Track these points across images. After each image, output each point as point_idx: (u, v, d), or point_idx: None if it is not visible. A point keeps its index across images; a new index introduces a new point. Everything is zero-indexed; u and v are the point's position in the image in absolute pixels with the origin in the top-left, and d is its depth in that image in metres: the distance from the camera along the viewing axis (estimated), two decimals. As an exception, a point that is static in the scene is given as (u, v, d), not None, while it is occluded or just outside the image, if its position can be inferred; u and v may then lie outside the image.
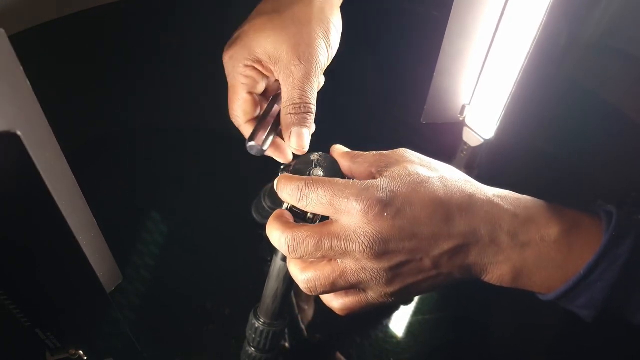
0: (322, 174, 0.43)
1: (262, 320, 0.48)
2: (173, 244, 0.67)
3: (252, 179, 0.72)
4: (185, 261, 0.65)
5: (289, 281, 0.45)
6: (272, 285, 0.45)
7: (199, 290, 0.62)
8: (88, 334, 0.44)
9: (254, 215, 0.63)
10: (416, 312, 0.62)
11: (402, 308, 0.62)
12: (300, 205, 0.39)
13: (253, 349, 0.49)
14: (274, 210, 0.59)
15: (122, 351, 0.48)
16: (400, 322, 0.61)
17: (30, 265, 0.35)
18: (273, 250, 0.44)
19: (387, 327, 0.60)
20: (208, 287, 0.63)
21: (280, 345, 0.52)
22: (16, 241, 0.33)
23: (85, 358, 0.45)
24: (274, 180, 0.43)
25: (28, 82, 0.34)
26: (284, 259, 0.44)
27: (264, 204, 0.60)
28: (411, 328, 0.60)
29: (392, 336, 0.59)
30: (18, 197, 0.31)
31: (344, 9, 0.56)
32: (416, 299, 0.63)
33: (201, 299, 0.61)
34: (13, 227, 0.32)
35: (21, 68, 0.33)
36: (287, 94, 0.46)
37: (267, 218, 0.62)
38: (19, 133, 0.27)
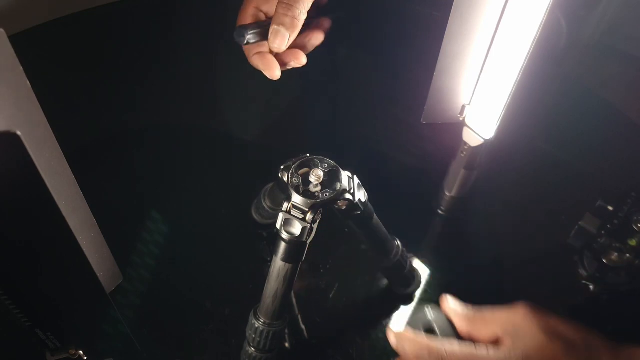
0: (437, 332, 0.46)
1: (262, 320, 0.48)
2: (173, 243, 0.67)
3: (252, 179, 0.72)
4: (185, 261, 0.65)
5: (289, 281, 0.45)
6: (272, 285, 0.45)
7: (199, 290, 0.62)
8: (88, 334, 0.44)
9: (254, 216, 0.63)
10: (417, 312, 0.62)
11: (402, 308, 0.62)
12: None
13: (253, 349, 0.49)
14: (274, 210, 0.59)
15: (122, 351, 0.48)
16: (400, 322, 0.61)
17: (30, 265, 0.35)
18: (273, 251, 0.44)
19: (387, 327, 0.60)
20: (208, 287, 0.63)
21: (280, 345, 0.52)
22: (16, 241, 0.33)
23: (85, 358, 0.45)
24: (274, 181, 0.43)
25: (28, 82, 0.34)
26: (284, 258, 0.44)
27: (264, 204, 0.60)
28: (411, 328, 0.60)
29: (392, 336, 0.59)
30: (18, 197, 0.31)
31: (346, 9, 0.56)
32: (416, 299, 0.63)
33: (201, 298, 0.61)
34: (13, 227, 0.32)
35: (21, 68, 0.33)
36: None
37: (267, 218, 0.62)
38: (19, 133, 0.27)
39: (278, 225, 0.43)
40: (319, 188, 0.43)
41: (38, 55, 0.75)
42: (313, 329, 0.60)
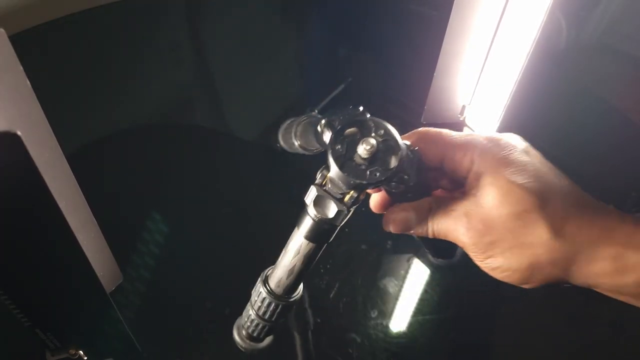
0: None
1: (269, 288, 0.40)
2: (173, 243, 0.67)
3: (251, 178, 0.72)
4: (185, 261, 0.65)
5: (309, 260, 0.37)
6: (290, 259, 0.38)
7: (199, 290, 0.62)
8: (88, 334, 0.44)
9: (281, 142, 0.55)
10: (417, 312, 0.62)
11: (403, 308, 0.62)
12: None
13: (254, 312, 0.42)
14: (305, 150, 0.50)
15: (122, 351, 0.48)
16: (400, 322, 0.61)
17: (31, 265, 0.35)
18: (296, 220, 0.36)
19: (387, 327, 0.60)
20: (208, 287, 0.63)
21: (284, 318, 0.43)
22: (16, 241, 0.33)
23: (85, 358, 0.45)
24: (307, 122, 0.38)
25: (28, 82, 0.34)
26: (309, 237, 0.35)
27: (294, 140, 0.51)
28: (412, 328, 0.60)
29: (392, 336, 0.59)
30: (18, 197, 0.31)
31: (346, 9, 0.55)
32: (416, 299, 0.63)
33: (201, 298, 0.61)
34: (13, 227, 0.32)
35: (21, 68, 0.33)
36: None
37: (294, 150, 0.52)
38: (19, 133, 0.27)
39: (307, 200, 0.34)
40: (367, 163, 0.33)
41: (38, 55, 0.74)
42: (313, 329, 0.60)
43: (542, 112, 0.75)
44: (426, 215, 0.35)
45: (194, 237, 0.68)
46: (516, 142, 0.34)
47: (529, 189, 0.31)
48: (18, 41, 0.33)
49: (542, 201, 0.31)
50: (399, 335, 0.60)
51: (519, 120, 0.56)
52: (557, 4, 0.44)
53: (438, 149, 0.35)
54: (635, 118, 0.75)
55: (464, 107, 0.57)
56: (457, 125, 0.59)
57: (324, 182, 0.34)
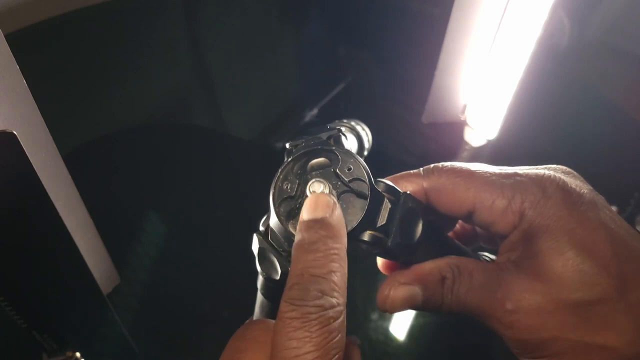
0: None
1: None
2: (170, 245, 0.66)
3: (249, 180, 0.72)
4: (182, 263, 0.65)
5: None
6: (257, 315, 0.31)
7: (196, 292, 0.62)
8: (85, 336, 0.44)
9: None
10: (417, 315, 0.61)
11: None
12: None
13: None
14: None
15: (120, 353, 0.48)
16: (401, 324, 0.61)
17: (27, 266, 0.35)
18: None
19: (388, 329, 0.60)
20: (206, 289, 0.62)
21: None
22: (12, 242, 0.32)
23: (82, 360, 0.45)
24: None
25: (24, 82, 0.34)
26: (264, 294, 0.28)
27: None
28: (412, 331, 0.60)
29: (393, 339, 0.59)
30: (14, 197, 0.30)
31: (346, 7, 0.55)
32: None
33: (199, 300, 0.61)
34: (9, 228, 0.32)
35: (17, 67, 0.33)
36: None
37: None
38: (15, 132, 0.27)
39: (254, 251, 0.26)
40: None
41: (34, 54, 0.74)
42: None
43: (545, 111, 0.75)
44: (438, 289, 0.26)
45: (191, 238, 0.67)
46: (580, 186, 0.25)
47: (607, 267, 0.22)
48: (14, 40, 0.33)
49: (623, 285, 0.22)
50: (400, 338, 0.59)
51: (522, 119, 0.55)
52: (560, 1, 0.43)
53: (468, 193, 0.25)
54: (639, 117, 0.75)
55: (465, 106, 0.57)
56: (459, 125, 0.58)
57: (266, 234, 0.25)
